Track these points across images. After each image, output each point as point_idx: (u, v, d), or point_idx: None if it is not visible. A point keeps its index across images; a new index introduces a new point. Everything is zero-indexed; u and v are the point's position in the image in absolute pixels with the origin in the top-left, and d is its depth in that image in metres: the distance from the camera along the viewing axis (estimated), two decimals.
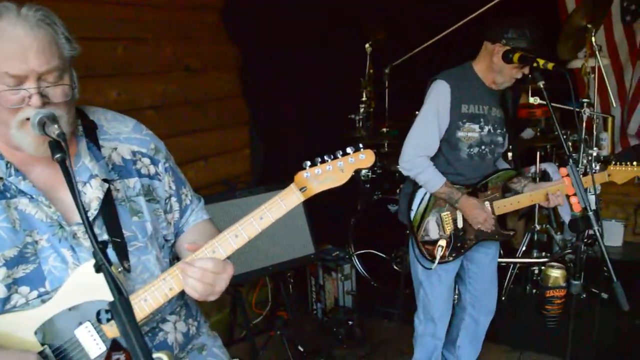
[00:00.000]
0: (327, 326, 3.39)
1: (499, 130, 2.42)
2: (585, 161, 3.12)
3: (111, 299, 1.00)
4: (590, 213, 1.67)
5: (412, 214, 2.42)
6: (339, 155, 1.29)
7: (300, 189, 1.27)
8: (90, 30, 2.62)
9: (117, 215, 1.33)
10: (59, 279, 1.24)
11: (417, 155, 2.34)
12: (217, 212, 2.74)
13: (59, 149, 1.12)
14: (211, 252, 1.27)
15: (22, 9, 1.18)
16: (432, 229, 2.40)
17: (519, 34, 2.19)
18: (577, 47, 3.32)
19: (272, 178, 3.36)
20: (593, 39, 3.19)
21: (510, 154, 2.58)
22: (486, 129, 2.37)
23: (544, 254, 3.48)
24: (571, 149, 1.77)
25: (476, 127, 2.35)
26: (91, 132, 1.38)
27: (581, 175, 2.29)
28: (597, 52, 3.19)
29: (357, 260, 3.68)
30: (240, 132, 3.72)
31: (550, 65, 1.92)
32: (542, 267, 3.01)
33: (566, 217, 3.48)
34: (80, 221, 1.19)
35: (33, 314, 1.23)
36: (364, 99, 3.85)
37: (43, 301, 1.24)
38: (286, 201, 1.28)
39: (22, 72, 1.15)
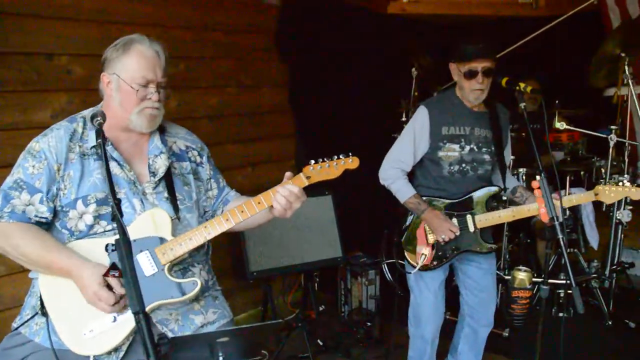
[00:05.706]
0: (349, 326, 3.62)
1: (484, 149, 2.57)
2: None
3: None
4: (557, 223, 1.84)
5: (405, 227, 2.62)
6: (334, 158, 1.85)
7: (306, 177, 1.81)
8: None
9: (173, 182, 1.88)
10: (127, 220, 1.73)
11: (391, 167, 2.59)
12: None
13: (100, 135, 1.59)
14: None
15: (149, 40, 1.79)
16: (417, 238, 2.58)
17: (461, 49, 2.46)
18: (611, 75, 3.37)
19: (314, 187, 3.65)
20: (626, 67, 3.25)
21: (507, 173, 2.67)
22: (467, 148, 2.54)
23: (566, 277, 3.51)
24: (542, 167, 1.94)
25: (456, 146, 2.54)
26: (160, 129, 1.95)
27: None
28: (630, 82, 3.25)
29: (386, 268, 3.90)
30: (287, 144, 4.09)
31: (529, 89, 2.10)
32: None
33: (594, 243, 3.49)
34: (148, 181, 1.81)
35: (108, 240, 1.66)
36: (403, 119, 4.10)
37: (115, 234, 1.66)
38: (296, 184, 1.80)
39: (151, 79, 1.76)
